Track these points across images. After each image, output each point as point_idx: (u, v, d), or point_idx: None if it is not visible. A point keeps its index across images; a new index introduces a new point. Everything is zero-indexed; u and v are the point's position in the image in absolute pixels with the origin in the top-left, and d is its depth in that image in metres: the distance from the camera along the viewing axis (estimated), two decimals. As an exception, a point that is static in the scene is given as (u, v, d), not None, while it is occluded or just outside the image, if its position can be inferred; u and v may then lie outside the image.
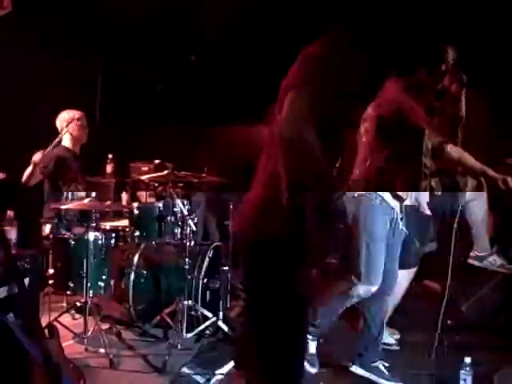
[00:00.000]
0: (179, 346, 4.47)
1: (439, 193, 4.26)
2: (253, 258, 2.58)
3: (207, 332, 4.83)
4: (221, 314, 4.95)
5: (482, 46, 5.72)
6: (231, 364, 3.86)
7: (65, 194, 5.14)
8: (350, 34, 2.53)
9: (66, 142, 5.40)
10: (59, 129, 5.40)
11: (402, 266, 4.03)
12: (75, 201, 4.74)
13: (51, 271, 4.56)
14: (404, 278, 4.32)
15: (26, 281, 4.02)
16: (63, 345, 3.91)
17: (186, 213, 4.91)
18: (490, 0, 5.62)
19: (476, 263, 4.67)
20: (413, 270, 4.49)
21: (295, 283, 2.54)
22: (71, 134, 5.38)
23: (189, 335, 4.63)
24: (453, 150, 4.32)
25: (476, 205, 4.54)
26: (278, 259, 2.47)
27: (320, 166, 2.36)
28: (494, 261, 4.61)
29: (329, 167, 2.46)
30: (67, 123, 5.37)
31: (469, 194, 4.44)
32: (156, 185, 5.56)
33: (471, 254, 4.71)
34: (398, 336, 4.68)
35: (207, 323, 4.75)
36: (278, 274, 2.49)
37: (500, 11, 5.63)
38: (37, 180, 5.23)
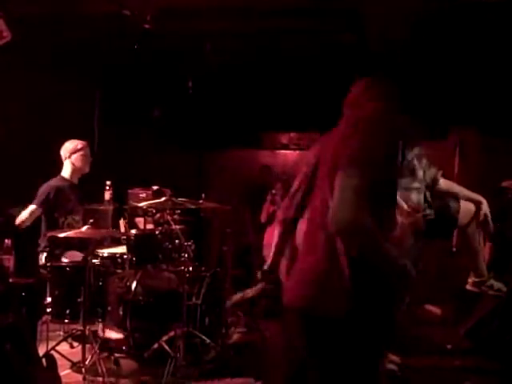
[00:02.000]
0: (178, 374, 4.45)
1: (432, 216, 4.28)
2: (308, 332, 2.43)
3: (206, 359, 4.81)
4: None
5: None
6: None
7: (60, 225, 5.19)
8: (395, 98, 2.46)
9: (66, 172, 5.40)
10: (62, 158, 5.41)
11: None
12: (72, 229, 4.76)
13: (49, 299, 4.54)
14: None
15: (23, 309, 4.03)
16: (61, 374, 3.91)
17: (183, 239, 4.92)
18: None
19: (474, 289, 4.66)
20: None
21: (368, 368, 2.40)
22: (74, 165, 5.38)
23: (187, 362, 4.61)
24: (441, 183, 4.38)
25: (471, 229, 4.54)
26: (340, 338, 2.34)
27: (384, 243, 2.26)
28: (492, 285, 4.60)
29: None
30: (70, 153, 5.37)
31: (463, 219, 4.44)
32: (154, 211, 5.56)
33: (469, 279, 4.70)
34: (399, 361, 4.65)
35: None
36: (347, 356, 2.35)
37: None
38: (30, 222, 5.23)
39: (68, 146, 5.39)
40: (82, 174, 5.48)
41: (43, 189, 5.25)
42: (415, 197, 4.03)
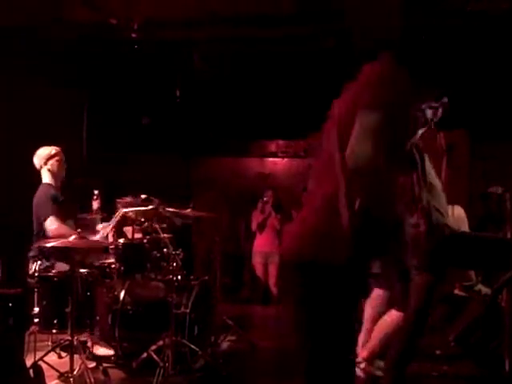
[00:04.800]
0: (167, 384, 4.44)
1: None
2: (306, 282, 2.45)
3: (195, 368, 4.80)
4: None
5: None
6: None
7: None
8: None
9: (47, 178, 5.34)
10: (37, 166, 5.36)
11: None
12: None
13: (36, 309, 4.51)
14: None
15: (11, 320, 4.01)
16: (48, 385, 3.88)
17: (171, 248, 4.91)
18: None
19: (462, 293, 4.68)
20: None
21: (353, 312, 2.52)
22: (50, 171, 5.32)
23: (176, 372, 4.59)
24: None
25: None
26: (337, 286, 2.39)
27: (392, 192, 2.35)
28: (480, 290, 4.62)
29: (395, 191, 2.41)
30: (46, 160, 5.32)
31: (451, 223, 4.44)
32: (142, 220, 5.54)
33: (457, 284, 4.71)
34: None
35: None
36: (337, 302, 2.42)
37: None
38: None
39: (42, 153, 5.33)
40: (61, 179, 5.43)
41: (42, 199, 5.16)
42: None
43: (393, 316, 4.32)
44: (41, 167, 5.32)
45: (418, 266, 3.78)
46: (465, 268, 4.45)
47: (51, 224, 5.07)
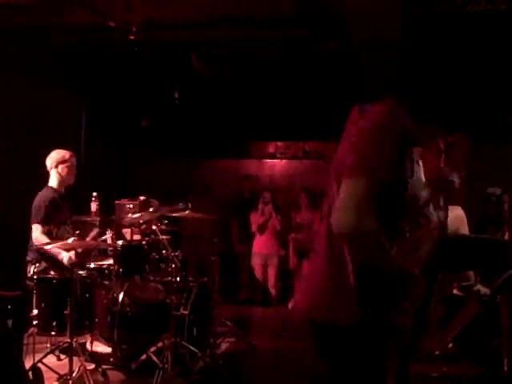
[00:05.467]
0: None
1: None
2: (323, 342, 2.41)
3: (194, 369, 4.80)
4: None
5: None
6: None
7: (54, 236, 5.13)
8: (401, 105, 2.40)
9: (54, 182, 5.31)
10: (48, 168, 5.35)
11: None
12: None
13: (35, 312, 4.50)
14: None
15: (10, 322, 4.01)
16: (47, 387, 3.88)
17: (170, 249, 4.92)
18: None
19: (460, 293, 4.67)
20: None
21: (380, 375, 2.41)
22: (60, 175, 5.30)
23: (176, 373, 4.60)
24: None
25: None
26: (354, 346, 2.34)
27: (386, 254, 2.26)
28: (479, 290, 4.61)
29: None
30: (57, 163, 5.31)
31: (451, 224, 4.43)
32: (141, 222, 5.55)
33: (455, 284, 4.70)
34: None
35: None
36: (357, 363, 2.36)
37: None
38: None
39: (54, 156, 5.32)
40: (69, 185, 5.43)
41: (38, 203, 5.13)
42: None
43: None
44: (51, 169, 5.32)
45: None
46: (458, 271, 4.45)
47: (34, 231, 5.04)
